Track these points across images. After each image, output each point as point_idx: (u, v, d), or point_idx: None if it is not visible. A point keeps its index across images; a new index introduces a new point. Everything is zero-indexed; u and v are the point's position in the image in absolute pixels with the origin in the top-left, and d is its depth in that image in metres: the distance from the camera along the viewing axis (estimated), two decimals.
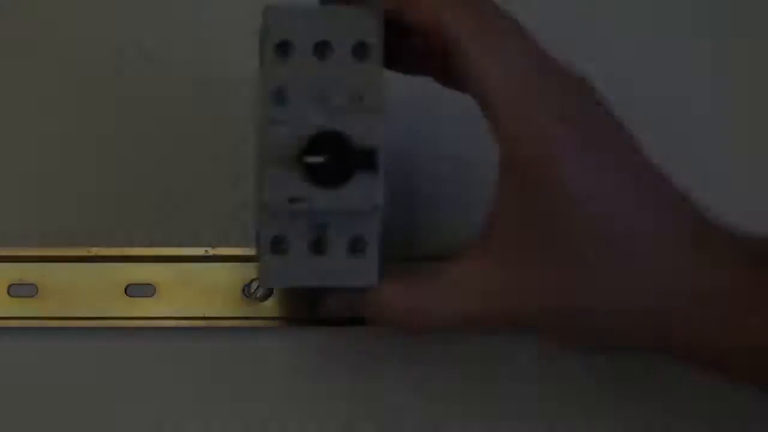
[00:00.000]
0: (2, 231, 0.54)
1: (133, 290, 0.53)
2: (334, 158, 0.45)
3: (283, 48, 0.45)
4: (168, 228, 0.54)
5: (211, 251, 0.53)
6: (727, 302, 0.44)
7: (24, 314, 0.53)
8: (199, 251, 0.53)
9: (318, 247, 0.46)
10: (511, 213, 0.45)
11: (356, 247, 0.46)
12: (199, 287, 0.53)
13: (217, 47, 0.56)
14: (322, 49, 0.45)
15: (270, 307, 0.53)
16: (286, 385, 0.53)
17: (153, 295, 0.53)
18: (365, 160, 0.45)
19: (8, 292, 0.53)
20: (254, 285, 0.53)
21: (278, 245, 0.46)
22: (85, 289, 0.53)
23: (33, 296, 0.53)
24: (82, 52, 0.57)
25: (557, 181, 0.44)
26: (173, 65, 0.56)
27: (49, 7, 0.58)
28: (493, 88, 0.44)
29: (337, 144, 0.45)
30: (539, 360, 0.53)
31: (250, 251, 0.52)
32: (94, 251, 0.53)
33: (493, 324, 0.46)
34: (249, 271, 0.53)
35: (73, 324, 0.53)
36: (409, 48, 0.47)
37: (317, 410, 0.53)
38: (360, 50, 0.45)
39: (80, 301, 0.53)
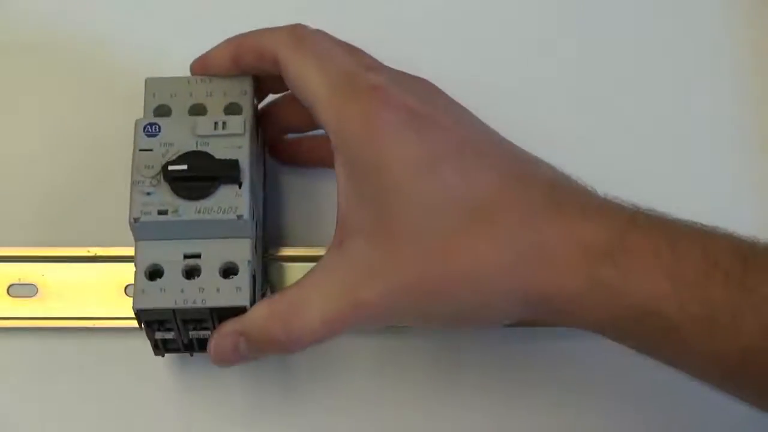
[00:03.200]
0: (2, 231, 0.54)
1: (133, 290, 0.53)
2: (196, 168, 0.47)
3: (161, 111, 0.49)
4: None
5: None
6: (586, 257, 0.43)
7: (24, 314, 0.53)
8: None
9: (191, 273, 0.47)
10: (348, 199, 0.46)
11: (228, 271, 0.47)
12: None
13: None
14: (196, 111, 0.49)
15: None
16: (286, 382, 0.53)
17: None
18: (227, 170, 0.47)
19: (8, 292, 0.53)
20: None
21: (153, 274, 0.47)
22: (85, 289, 0.53)
23: (33, 296, 0.53)
24: (81, 53, 0.57)
25: (380, 158, 0.45)
26: (175, 68, 0.56)
27: (52, 8, 0.58)
28: (312, 82, 0.47)
29: (200, 157, 0.47)
30: None
31: None
32: (94, 251, 0.53)
33: (359, 324, 0.46)
34: None
35: (73, 324, 0.53)
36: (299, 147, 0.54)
37: (317, 406, 0.53)
38: (232, 109, 0.49)
39: (80, 301, 0.53)
